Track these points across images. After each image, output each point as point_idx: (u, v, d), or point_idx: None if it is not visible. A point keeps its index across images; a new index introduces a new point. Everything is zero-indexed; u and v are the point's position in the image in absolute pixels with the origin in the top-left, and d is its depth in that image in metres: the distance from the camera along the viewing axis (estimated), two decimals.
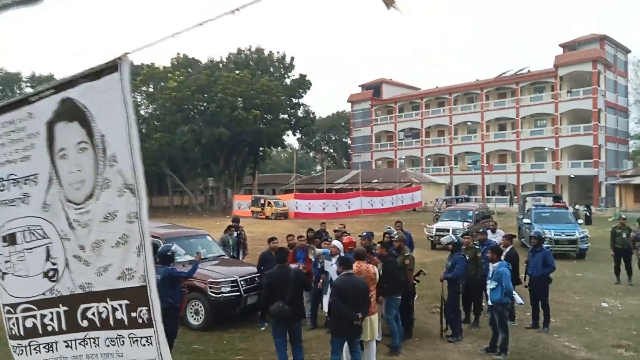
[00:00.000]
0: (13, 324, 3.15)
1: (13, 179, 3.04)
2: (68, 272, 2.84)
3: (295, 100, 52.95)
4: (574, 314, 9.31)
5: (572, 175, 46.27)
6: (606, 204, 43.35)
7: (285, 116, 51.63)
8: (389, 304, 6.97)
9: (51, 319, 2.96)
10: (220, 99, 42.70)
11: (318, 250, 7.86)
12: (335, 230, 10.47)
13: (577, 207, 30.88)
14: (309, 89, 53.26)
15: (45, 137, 2.84)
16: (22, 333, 3.12)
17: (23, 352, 3.11)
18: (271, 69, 52.40)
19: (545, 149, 49.01)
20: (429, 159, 57.98)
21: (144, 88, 48.34)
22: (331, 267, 7.26)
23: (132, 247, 2.54)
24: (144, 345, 2.63)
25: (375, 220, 30.51)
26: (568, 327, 8.42)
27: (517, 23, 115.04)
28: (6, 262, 3.12)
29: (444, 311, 7.75)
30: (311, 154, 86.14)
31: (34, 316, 3.03)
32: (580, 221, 19.29)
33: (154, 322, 2.57)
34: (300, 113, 54.43)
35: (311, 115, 56.19)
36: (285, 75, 52.97)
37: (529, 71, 51.84)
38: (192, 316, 8.28)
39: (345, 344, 5.90)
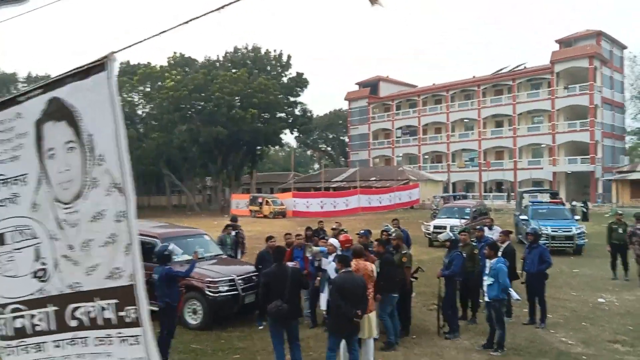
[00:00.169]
0: (3, 325, 3.14)
1: (2, 179, 3.03)
2: (57, 272, 2.84)
3: (292, 99, 52.92)
4: (571, 309, 9.33)
5: (569, 172, 46.39)
6: (603, 199, 43.48)
7: (283, 115, 51.59)
8: (385, 301, 6.97)
9: (40, 319, 2.96)
10: (218, 98, 42.64)
11: (315, 249, 7.87)
12: (332, 229, 10.49)
13: (574, 203, 30.96)
14: (306, 87, 53.26)
15: (34, 137, 2.83)
16: (11, 333, 3.11)
17: (12, 353, 3.10)
18: (268, 68, 52.34)
19: (542, 146, 49.13)
20: (426, 157, 58.05)
21: (141, 88, 48.25)
22: (329, 265, 7.25)
23: (120, 246, 2.54)
24: (132, 344, 2.63)
25: (373, 218, 30.53)
26: (565, 323, 8.43)
27: (517, 23, 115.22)
28: None
29: (441, 308, 7.76)
30: (309, 152, 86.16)
31: (23, 316, 3.03)
32: (577, 217, 19.34)
33: (142, 321, 2.57)
34: (297, 111, 54.40)
35: (309, 114, 56.17)
36: (283, 74, 52.93)
37: (525, 67, 51.90)
38: (190, 315, 8.26)
39: (343, 341, 5.91)
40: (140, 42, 2.29)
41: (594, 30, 47.52)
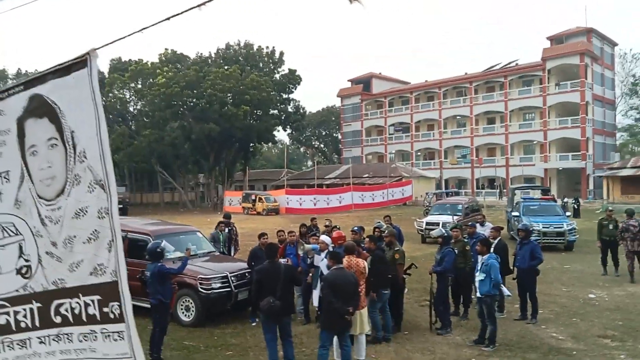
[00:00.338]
0: None
1: None
2: (41, 268, 2.82)
3: (285, 96, 52.78)
4: (562, 305, 9.40)
5: (560, 168, 46.74)
6: (594, 196, 43.87)
7: (275, 111, 51.43)
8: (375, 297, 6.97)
9: (24, 316, 2.95)
10: (210, 95, 42.43)
11: (307, 246, 7.86)
12: (325, 226, 10.50)
13: (565, 199, 31.18)
14: (299, 84, 53.13)
15: (16, 134, 2.81)
16: None
17: None
18: (260, 64, 52.16)
19: (534, 142, 49.44)
20: (418, 153, 58.20)
21: (132, 84, 47.88)
22: (322, 262, 7.25)
23: (103, 242, 2.53)
24: (116, 340, 2.63)
25: (366, 215, 30.59)
26: (555, 319, 8.50)
27: (520, 23, 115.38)
28: None
29: (433, 304, 7.78)
30: (302, 149, 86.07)
31: (7, 313, 3.01)
32: (568, 213, 19.48)
33: (125, 317, 2.57)
34: (290, 108, 54.30)
35: (301, 111, 56.08)
36: (275, 71, 52.77)
37: (517, 64, 52.14)
38: (183, 312, 8.24)
39: (335, 338, 5.91)
40: (121, 38, 2.27)
41: (585, 28, 47.80)
